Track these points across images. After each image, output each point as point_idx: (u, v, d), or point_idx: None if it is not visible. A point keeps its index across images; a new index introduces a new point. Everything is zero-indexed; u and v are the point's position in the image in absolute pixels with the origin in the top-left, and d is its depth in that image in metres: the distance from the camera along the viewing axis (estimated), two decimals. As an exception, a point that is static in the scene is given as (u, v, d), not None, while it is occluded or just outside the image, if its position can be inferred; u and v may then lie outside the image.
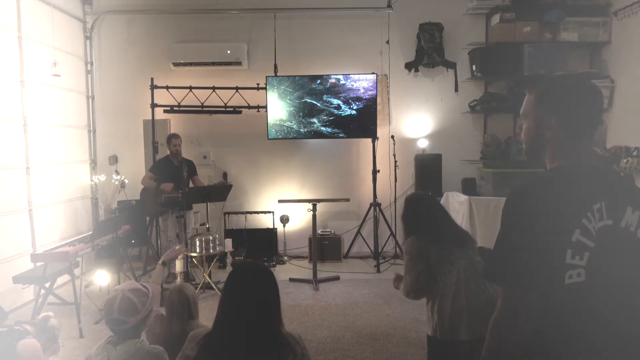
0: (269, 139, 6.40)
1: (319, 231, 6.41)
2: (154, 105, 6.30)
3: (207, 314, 4.51)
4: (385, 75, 6.67)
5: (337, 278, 5.72)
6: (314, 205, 5.52)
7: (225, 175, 6.76)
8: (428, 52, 6.55)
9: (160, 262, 2.92)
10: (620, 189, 1.32)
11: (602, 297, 1.23)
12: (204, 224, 5.97)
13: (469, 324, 2.27)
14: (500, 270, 1.28)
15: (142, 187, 5.81)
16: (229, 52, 6.40)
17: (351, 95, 6.31)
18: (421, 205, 2.70)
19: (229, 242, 5.58)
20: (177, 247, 3.19)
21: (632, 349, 1.25)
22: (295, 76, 6.35)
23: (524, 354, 1.25)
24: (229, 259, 6.15)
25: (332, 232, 6.66)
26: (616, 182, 1.34)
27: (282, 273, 5.99)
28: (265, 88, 6.30)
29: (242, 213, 6.60)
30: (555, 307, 1.23)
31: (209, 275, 5.25)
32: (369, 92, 6.31)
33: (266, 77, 6.30)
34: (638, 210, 1.28)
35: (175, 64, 6.44)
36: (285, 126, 6.36)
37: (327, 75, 6.35)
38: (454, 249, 2.43)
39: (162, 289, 3.24)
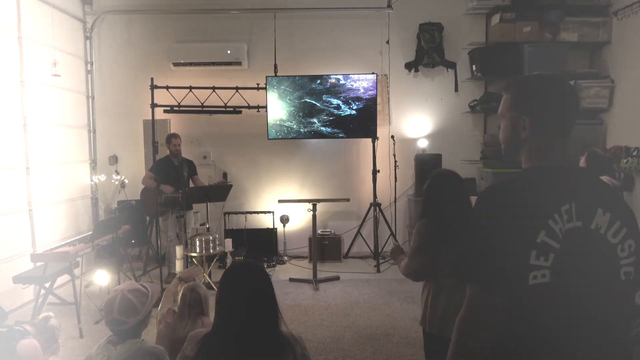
0: (269, 139, 6.40)
1: (319, 231, 6.41)
2: (154, 105, 6.30)
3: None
4: (385, 75, 6.67)
5: (337, 278, 5.72)
6: (314, 205, 5.52)
7: (225, 175, 6.76)
8: (428, 52, 6.56)
9: (177, 276, 2.90)
10: (592, 191, 1.31)
11: (567, 298, 1.23)
12: (204, 224, 5.97)
13: None
14: (467, 269, 1.29)
15: (142, 187, 5.81)
16: (229, 52, 6.40)
17: (351, 95, 6.32)
18: (448, 187, 2.42)
19: (229, 242, 5.58)
20: (195, 269, 3.13)
21: (596, 350, 1.25)
22: (295, 76, 6.35)
23: (489, 353, 1.25)
24: (229, 259, 6.15)
25: (332, 232, 6.66)
26: (588, 183, 1.33)
27: (282, 273, 5.99)
28: (265, 88, 6.30)
29: (242, 213, 6.60)
30: (519, 307, 1.23)
31: (209, 275, 5.25)
32: (369, 92, 6.31)
33: (266, 77, 6.30)
34: (609, 212, 1.26)
35: (175, 64, 6.44)
36: (285, 126, 6.36)
37: (327, 75, 6.35)
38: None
39: (162, 289, 3.24)
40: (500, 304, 1.23)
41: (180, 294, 2.74)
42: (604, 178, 3.85)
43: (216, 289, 5.16)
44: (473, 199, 5.83)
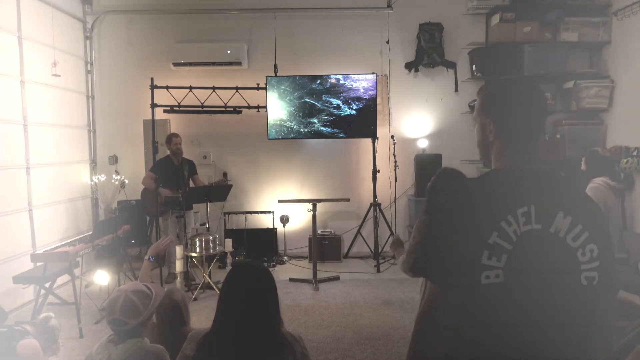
0: (269, 139, 6.40)
1: (319, 231, 6.41)
2: (154, 105, 6.30)
3: (207, 314, 4.52)
4: (385, 75, 6.67)
5: (337, 278, 5.72)
6: (314, 205, 5.52)
7: (225, 175, 6.77)
8: (428, 52, 6.56)
9: (146, 257, 2.79)
10: (554, 194, 1.30)
11: (520, 299, 1.23)
12: (204, 224, 5.97)
13: None
14: (425, 265, 1.32)
15: (143, 187, 5.81)
16: (229, 52, 6.41)
17: (351, 95, 6.32)
18: (447, 184, 2.40)
19: (229, 242, 5.58)
20: (162, 240, 3.01)
21: (549, 350, 1.24)
22: (295, 76, 6.35)
23: (446, 350, 1.26)
24: (229, 259, 6.15)
25: (332, 232, 6.66)
26: (551, 186, 1.32)
27: (282, 273, 5.99)
28: (265, 88, 6.30)
29: (242, 213, 6.60)
30: (473, 305, 1.25)
31: (209, 275, 5.25)
32: (369, 92, 6.31)
33: (266, 77, 6.30)
34: (569, 216, 1.26)
35: (176, 64, 6.44)
36: (285, 126, 6.36)
37: (327, 75, 6.35)
38: None
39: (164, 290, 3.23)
40: (455, 301, 1.25)
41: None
42: (602, 180, 3.84)
43: (216, 289, 5.14)
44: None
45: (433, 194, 2.44)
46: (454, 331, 1.26)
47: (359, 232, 6.66)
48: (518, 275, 1.23)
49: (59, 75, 5.36)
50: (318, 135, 6.41)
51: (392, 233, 6.46)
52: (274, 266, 6.32)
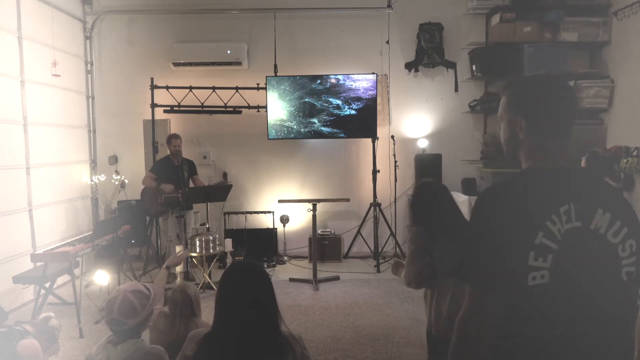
0: (269, 139, 6.40)
1: (319, 231, 6.41)
2: (154, 105, 6.30)
3: (207, 314, 4.50)
4: (385, 75, 6.67)
5: (337, 278, 5.72)
6: (314, 205, 5.52)
7: (225, 175, 6.77)
8: (428, 52, 6.56)
9: (164, 266, 2.92)
10: (591, 191, 1.31)
11: (566, 298, 1.23)
12: (204, 224, 5.97)
13: None
14: (467, 269, 1.30)
15: (143, 187, 5.81)
16: (229, 52, 6.40)
17: (351, 95, 6.32)
18: (431, 194, 2.55)
19: (229, 242, 5.58)
20: (180, 253, 3.17)
21: (597, 350, 1.25)
22: (295, 76, 6.35)
23: (489, 354, 1.25)
24: (229, 259, 6.15)
25: (332, 232, 6.66)
26: (587, 183, 1.33)
27: (282, 273, 5.99)
28: (265, 88, 6.30)
29: (242, 213, 6.61)
30: (519, 308, 1.24)
31: (209, 275, 5.25)
32: (369, 92, 6.31)
33: (266, 77, 6.30)
34: (608, 212, 1.26)
35: (176, 64, 6.44)
36: (285, 126, 6.36)
37: (327, 75, 6.35)
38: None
39: (165, 290, 3.25)
40: (499, 304, 1.23)
41: (170, 292, 2.74)
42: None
43: (216, 289, 5.16)
44: (474, 198, 5.86)
45: (419, 205, 2.52)
46: (498, 334, 1.24)
47: (359, 232, 6.66)
48: (563, 275, 1.23)
49: (59, 75, 5.36)
50: (318, 135, 6.41)
51: (392, 233, 6.47)
52: (274, 266, 6.32)
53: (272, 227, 6.62)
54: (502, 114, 1.45)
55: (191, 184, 5.88)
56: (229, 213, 6.57)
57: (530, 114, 1.35)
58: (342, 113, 6.34)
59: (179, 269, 5.38)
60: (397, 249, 6.47)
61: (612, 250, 1.26)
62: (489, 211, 1.28)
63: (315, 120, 6.35)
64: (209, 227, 5.71)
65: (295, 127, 6.36)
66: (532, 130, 1.35)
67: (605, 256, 1.26)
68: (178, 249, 5.06)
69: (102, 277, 4.64)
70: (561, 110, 1.36)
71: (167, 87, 6.29)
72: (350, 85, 6.30)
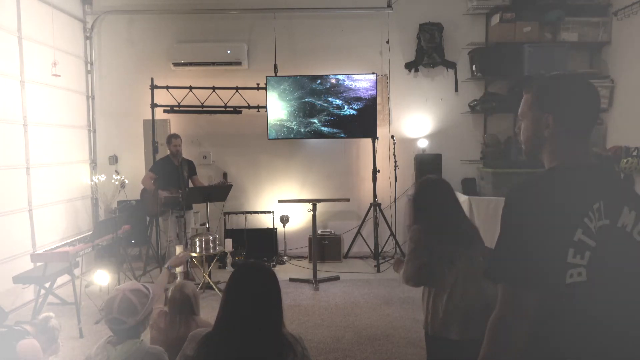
0: (269, 139, 6.40)
1: (319, 231, 6.41)
2: (154, 105, 6.30)
3: (207, 314, 4.49)
4: (385, 75, 6.67)
5: (337, 278, 5.72)
6: (314, 205, 5.52)
7: (225, 175, 6.76)
8: (428, 52, 6.56)
9: (165, 266, 2.93)
10: (618, 189, 1.32)
11: (602, 296, 1.23)
12: (204, 224, 5.97)
13: (461, 325, 2.27)
14: (500, 269, 1.28)
15: (142, 187, 5.81)
16: (229, 52, 6.40)
17: (351, 95, 6.31)
18: (434, 192, 2.49)
19: (229, 242, 5.58)
20: (182, 254, 3.18)
21: (631, 348, 1.25)
22: (296, 76, 6.35)
23: (523, 354, 1.24)
24: (229, 259, 6.15)
25: (332, 232, 6.66)
26: (613, 181, 1.34)
27: (282, 273, 5.99)
28: (265, 88, 6.30)
29: (242, 213, 6.60)
30: (555, 306, 1.23)
31: (209, 275, 5.25)
32: (369, 92, 6.31)
33: (266, 77, 6.30)
34: (634, 211, 1.27)
35: (176, 64, 6.44)
36: (285, 126, 6.36)
37: (327, 75, 6.35)
38: (457, 247, 2.37)
39: (165, 290, 3.25)
40: (535, 303, 1.22)
41: (169, 291, 2.75)
42: None
43: (216, 289, 5.15)
44: (474, 198, 5.84)
45: (422, 200, 2.48)
46: (533, 333, 1.23)
47: (359, 232, 6.66)
48: (599, 272, 1.23)
49: (59, 75, 5.36)
50: (318, 135, 6.40)
51: (392, 233, 6.47)
52: (274, 266, 6.32)
53: (272, 227, 6.62)
54: (525, 112, 1.44)
55: (191, 184, 5.88)
56: (229, 213, 6.56)
57: (559, 111, 1.35)
58: (342, 113, 6.34)
59: (179, 269, 5.35)
60: (397, 249, 6.47)
61: (638, 248, 1.27)
62: (524, 209, 1.26)
63: (315, 120, 6.35)
64: (208, 227, 5.71)
65: (295, 127, 6.36)
66: (559, 128, 1.35)
67: (633, 254, 1.27)
68: (178, 249, 5.06)
69: (102, 277, 4.64)
70: (588, 109, 1.37)
71: (167, 87, 6.29)
72: (350, 85, 6.30)
